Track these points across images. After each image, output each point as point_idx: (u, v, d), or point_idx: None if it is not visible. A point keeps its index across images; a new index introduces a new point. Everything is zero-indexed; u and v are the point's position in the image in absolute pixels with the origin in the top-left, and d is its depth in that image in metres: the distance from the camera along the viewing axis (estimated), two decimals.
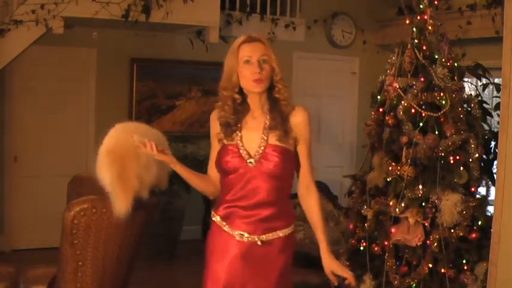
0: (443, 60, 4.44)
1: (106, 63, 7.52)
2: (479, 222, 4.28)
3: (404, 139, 4.33)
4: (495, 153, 4.71)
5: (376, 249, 4.40)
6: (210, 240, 2.96)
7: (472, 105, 4.56)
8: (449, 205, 4.19)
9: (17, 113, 7.24)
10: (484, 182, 4.52)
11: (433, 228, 4.25)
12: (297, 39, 7.94)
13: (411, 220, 4.25)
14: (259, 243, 2.85)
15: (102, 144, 3.39)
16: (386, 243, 4.36)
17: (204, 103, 7.78)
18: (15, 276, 4.20)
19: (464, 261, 4.26)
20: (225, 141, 2.90)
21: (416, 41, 4.47)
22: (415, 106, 4.30)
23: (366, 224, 4.47)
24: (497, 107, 5.07)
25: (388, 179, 4.38)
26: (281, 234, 2.89)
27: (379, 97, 4.60)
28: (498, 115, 4.15)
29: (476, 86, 5.56)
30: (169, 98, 7.87)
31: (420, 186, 4.25)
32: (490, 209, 4.27)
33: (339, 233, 5.87)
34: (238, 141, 2.88)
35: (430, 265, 4.23)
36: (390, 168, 4.33)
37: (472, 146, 4.32)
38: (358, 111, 8.76)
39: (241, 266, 2.86)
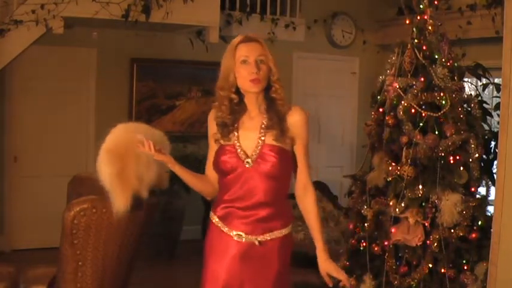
0: (443, 60, 4.43)
1: (106, 63, 7.52)
2: (479, 222, 4.28)
3: (404, 139, 4.33)
4: (495, 153, 4.71)
5: (376, 249, 4.40)
6: (209, 240, 2.96)
7: (472, 105, 4.56)
8: (449, 205, 4.19)
9: (17, 113, 7.24)
10: (484, 182, 4.51)
11: (433, 228, 4.25)
12: (297, 39, 7.94)
13: (411, 220, 4.25)
14: (257, 243, 2.85)
15: (104, 142, 3.40)
16: (386, 243, 4.36)
17: (204, 103, 7.78)
18: (15, 276, 4.20)
19: (464, 261, 4.26)
20: (222, 142, 2.90)
21: (416, 41, 4.46)
22: (415, 106, 4.30)
23: (366, 224, 4.47)
24: (497, 107, 5.07)
25: (388, 179, 4.38)
26: (279, 235, 2.89)
27: (379, 97, 4.60)
28: (498, 115, 4.15)
29: (476, 86, 5.56)
30: (169, 98, 7.87)
31: (420, 186, 4.25)
32: (490, 209, 4.27)
33: (339, 233, 5.88)
34: (235, 141, 2.88)
35: (430, 265, 4.23)
36: (390, 168, 4.33)
37: (472, 146, 4.32)
38: (358, 111, 8.76)
39: (239, 266, 2.87)
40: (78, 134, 7.50)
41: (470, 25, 7.04)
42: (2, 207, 7.23)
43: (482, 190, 4.52)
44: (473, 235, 4.26)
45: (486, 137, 4.83)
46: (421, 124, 4.29)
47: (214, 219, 2.93)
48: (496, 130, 4.85)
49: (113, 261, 3.65)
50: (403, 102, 4.31)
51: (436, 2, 4.56)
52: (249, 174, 2.84)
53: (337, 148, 8.81)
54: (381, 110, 4.55)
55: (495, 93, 5.57)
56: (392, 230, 4.32)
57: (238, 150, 2.86)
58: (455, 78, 4.49)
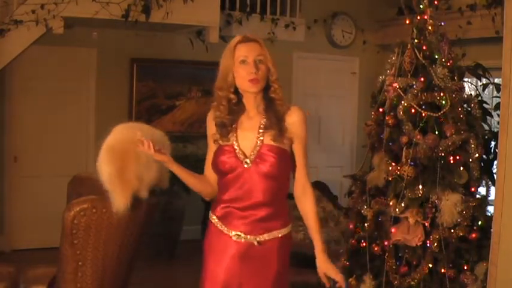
0: (443, 60, 4.43)
1: (106, 63, 7.52)
2: (479, 222, 4.28)
3: (404, 139, 4.33)
4: (495, 153, 4.71)
5: (376, 249, 4.40)
6: (208, 240, 2.96)
7: (472, 105, 4.55)
8: (449, 205, 4.19)
9: (17, 113, 7.24)
10: (484, 182, 4.51)
11: (433, 228, 4.25)
12: (297, 39, 7.94)
13: (411, 220, 4.24)
14: (256, 243, 2.85)
15: (104, 142, 3.40)
16: (386, 243, 4.36)
17: (204, 103, 7.78)
18: (15, 276, 4.20)
19: (464, 261, 4.26)
20: (221, 142, 2.90)
21: (416, 41, 4.46)
22: (415, 106, 4.30)
23: (366, 224, 4.47)
24: (497, 107, 5.07)
25: (388, 179, 4.38)
26: (278, 235, 2.89)
27: (379, 97, 4.60)
28: (498, 115, 4.14)
29: (476, 86, 5.56)
30: (169, 98, 7.88)
31: (420, 186, 4.25)
32: (490, 209, 4.26)
33: (339, 233, 5.87)
34: (234, 142, 2.88)
35: (430, 265, 4.23)
36: (390, 168, 4.33)
37: (472, 146, 4.32)
38: (358, 111, 8.77)
39: (238, 266, 2.87)
40: (78, 134, 7.50)
41: (470, 25, 7.04)
42: (2, 207, 7.23)
43: (482, 190, 4.52)
44: (473, 235, 4.25)
45: (486, 137, 4.83)
46: (421, 124, 4.29)
47: (214, 219, 2.93)
48: (496, 130, 4.85)
49: (113, 261, 3.65)
50: (403, 102, 4.31)
51: (436, 2, 4.56)
52: (248, 175, 2.84)
53: (337, 148, 8.81)
54: (380, 110, 4.55)
55: (495, 93, 5.57)
56: (392, 230, 4.32)
57: (237, 151, 2.86)
58: (455, 78, 4.49)
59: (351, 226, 4.66)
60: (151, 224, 4.03)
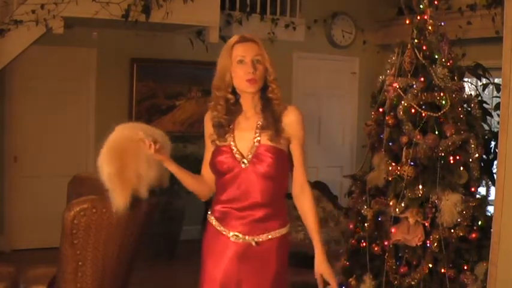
0: (443, 60, 4.43)
1: (106, 63, 7.52)
2: (479, 222, 4.28)
3: (404, 139, 4.33)
4: (495, 153, 4.71)
5: (376, 249, 4.40)
6: (206, 241, 2.97)
7: (472, 105, 4.55)
8: (449, 205, 4.19)
9: (17, 113, 7.25)
10: (484, 182, 4.51)
11: (433, 228, 4.25)
12: (297, 39, 7.94)
13: (411, 220, 4.24)
14: (254, 244, 2.85)
15: (105, 141, 3.41)
16: (386, 243, 4.36)
17: (204, 103, 7.68)
18: (15, 276, 4.20)
19: (464, 261, 4.26)
20: (218, 142, 2.90)
21: (416, 41, 4.46)
22: (415, 106, 4.30)
23: (366, 224, 4.47)
24: (497, 107, 5.07)
25: (388, 179, 4.38)
26: (277, 235, 2.89)
27: (379, 97, 4.60)
28: (498, 115, 4.14)
29: (476, 86, 5.56)
30: (169, 98, 7.88)
31: (420, 186, 4.25)
32: (490, 209, 4.26)
33: (339, 233, 5.87)
34: (231, 142, 2.88)
35: (430, 265, 4.23)
36: (390, 168, 4.33)
37: (472, 146, 4.32)
38: (358, 111, 8.77)
39: (237, 266, 2.87)
40: (78, 134, 7.50)
41: (470, 25, 7.04)
42: (2, 207, 7.23)
43: (482, 190, 4.52)
44: (473, 235, 4.25)
45: (486, 137, 4.83)
46: (421, 124, 4.29)
47: (212, 220, 2.94)
48: (496, 130, 4.85)
49: (113, 261, 3.65)
50: (403, 102, 4.31)
51: (436, 2, 4.56)
52: (245, 175, 2.84)
53: (337, 148, 8.81)
54: (380, 110, 4.55)
55: (495, 93, 5.57)
56: (392, 230, 4.32)
57: (234, 151, 2.86)
58: (455, 78, 4.49)
59: (351, 226, 4.66)
60: (151, 224, 4.03)
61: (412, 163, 4.26)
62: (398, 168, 4.29)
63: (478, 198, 4.36)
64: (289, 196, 2.95)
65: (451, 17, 6.90)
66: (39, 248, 6.84)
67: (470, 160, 4.33)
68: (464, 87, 4.60)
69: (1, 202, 7.22)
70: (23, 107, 7.23)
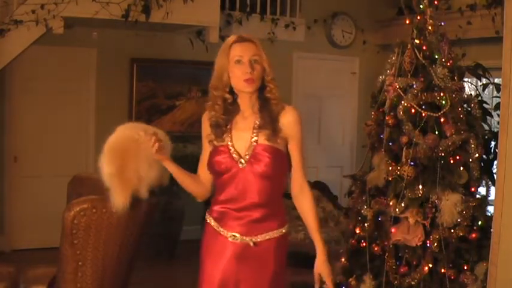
0: (443, 60, 4.43)
1: (106, 63, 7.52)
2: (479, 222, 4.28)
3: (404, 139, 4.33)
4: (495, 153, 4.71)
5: (376, 249, 4.40)
6: (205, 241, 2.97)
7: (472, 105, 4.55)
8: (449, 205, 4.19)
9: (17, 113, 7.25)
10: (484, 182, 4.51)
11: (433, 228, 4.25)
12: (297, 39, 7.94)
13: (411, 220, 4.24)
14: (251, 244, 2.85)
15: (106, 141, 3.41)
16: (386, 243, 4.36)
17: (204, 103, 7.72)
18: (15, 276, 4.20)
19: (464, 261, 4.26)
20: (215, 143, 2.90)
21: (416, 41, 4.46)
22: (415, 106, 4.30)
23: (366, 224, 4.47)
24: (497, 107, 5.07)
25: (388, 179, 4.38)
26: (275, 235, 2.89)
27: (379, 97, 4.60)
28: (498, 115, 4.14)
29: (476, 86, 5.56)
30: (169, 98, 7.88)
31: (420, 186, 4.25)
32: (490, 209, 4.26)
33: (339, 233, 5.87)
34: (229, 142, 2.88)
35: (430, 265, 4.23)
36: (390, 168, 4.33)
37: (472, 146, 4.32)
38: (358, 111, 8.76)
39: (235, 267, 2.87)
40: (78, 134, 7.50)
41: (470, 25, 7.04)
42: (2, 207, 7.23)
43: (482, 190, 4.52)
44: (473, 235, 4.25)
45: (486, 137, 4.83)
46: (421, 124, 4.29)
47: (210, 220, 2.94)
48: (496, 130, 4.84)
49: (113, 261, 3.65)
50: (403, 102, 4.31)
51: (436, 2, 4.56)
52: (242, 175, 2.84)
53: (337, 148, 8.81)
54: (380, 110, 4.55)
55: (495, 93, 5.57)
56: (392, 230, 4.32)
57: (232, 151, 2.86)
58: (455, 78, 4.49)
59: (351, 226, 4.66)
60: (151, 224, 4.04)
61: (412, 163, 4.26)
62: (398, 168, 4.29)
63: (478, 198, 4.36)
64: (287, 196, 2.95)
65: (451, 17, 6.90)
66: (39, 248, 6.85)
67: (470, 160, 4.33)
68: (464, 87, 4.60)
69: (1, 202, 7.22)
70: (23, 107, 7.23)
